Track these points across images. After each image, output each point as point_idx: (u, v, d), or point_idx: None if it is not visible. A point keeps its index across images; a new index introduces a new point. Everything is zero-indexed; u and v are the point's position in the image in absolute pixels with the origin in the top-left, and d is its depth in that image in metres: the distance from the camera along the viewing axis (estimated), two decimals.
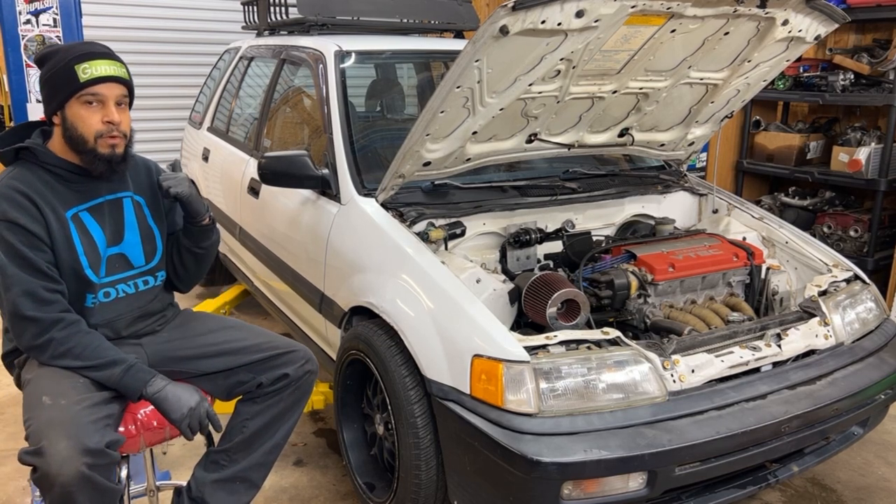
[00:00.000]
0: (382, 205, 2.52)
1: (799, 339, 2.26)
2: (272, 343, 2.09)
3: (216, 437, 2.12)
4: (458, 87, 2.12)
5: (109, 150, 1.85)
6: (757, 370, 2.18)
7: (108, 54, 1.86)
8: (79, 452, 1.60)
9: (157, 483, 2.23)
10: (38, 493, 1.81)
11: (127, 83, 1.88)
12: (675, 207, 3.06)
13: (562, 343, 2.00)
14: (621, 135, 2.84)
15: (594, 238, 2.69)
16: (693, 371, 2.05)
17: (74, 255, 1.86)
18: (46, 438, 1.62)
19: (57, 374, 1.81)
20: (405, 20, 3.86)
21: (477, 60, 2.04)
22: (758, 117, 4.97)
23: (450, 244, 2.49)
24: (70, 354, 1.81)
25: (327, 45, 3.10)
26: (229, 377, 2.04)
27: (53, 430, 1.64)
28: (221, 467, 2.08)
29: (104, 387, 1.82)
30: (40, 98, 2.52)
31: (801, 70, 4.58)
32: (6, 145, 1.88)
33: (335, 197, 2.69)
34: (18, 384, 1.99)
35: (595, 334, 2.05)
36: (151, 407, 1.88)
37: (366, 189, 2.61)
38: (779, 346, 2.22)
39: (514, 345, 1.96)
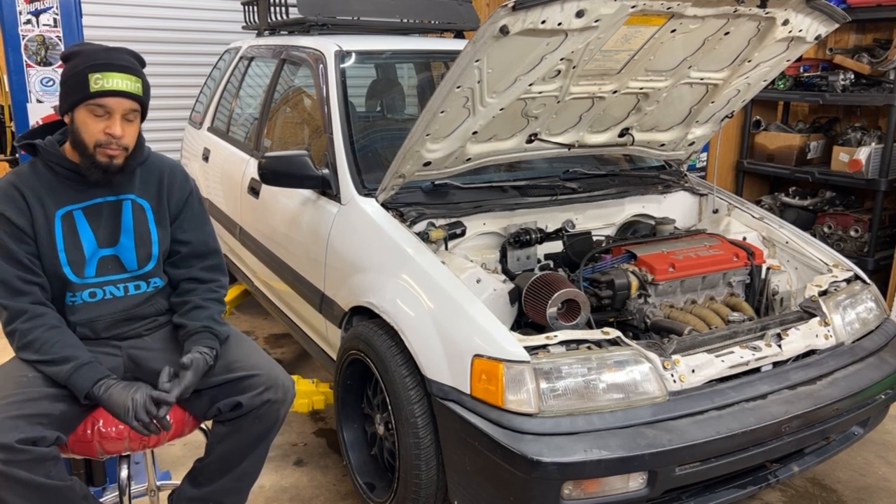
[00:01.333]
0: (383, 205, 2.52)
1: (799, 339, 2.26)
2: (238, 364, 1.96)
3: None
4: (458, 87, 2.12)
5: (106, 160, 1.85)
6: (757, 370, 2.18)
7: (126, 68, 1.83)
8: None
9: (158, 483, 2.23)
10: None
11: (139, 99, 1.86)
12: (675, 207, 3.06)
13: (562, 343, 2.00)
14: (621, 135, 2.84)
15: (594, 238, 2.69)
16: (693, 371, 2.05)
17: (54, 252, 1.87)
18: None
19: (10, 368, 1.83)
20: (405, 20, 3.86)
21: (477, 60, 2.04)
22: (758, 117, 4.97)
23: (450, 244, 2.49)
24: (30, 347, 1.81)
25: (327, 45, 3.10)
26: (200, 397, 1.94)
27: None
28: (199, 484, 2.04)
29: (57, 384, 1.79)
30: (41, 98, 2.51)
31: (802, 70, 4.58)
32: (29, 140, 1.91)
33: (335, 197, 2.69)
34: None
35: (595, 334, 2.05)
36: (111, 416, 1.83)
37: (366, 189, 2.61)
38: (779, 346, 2.22)
39: (514, 345, 1.96)
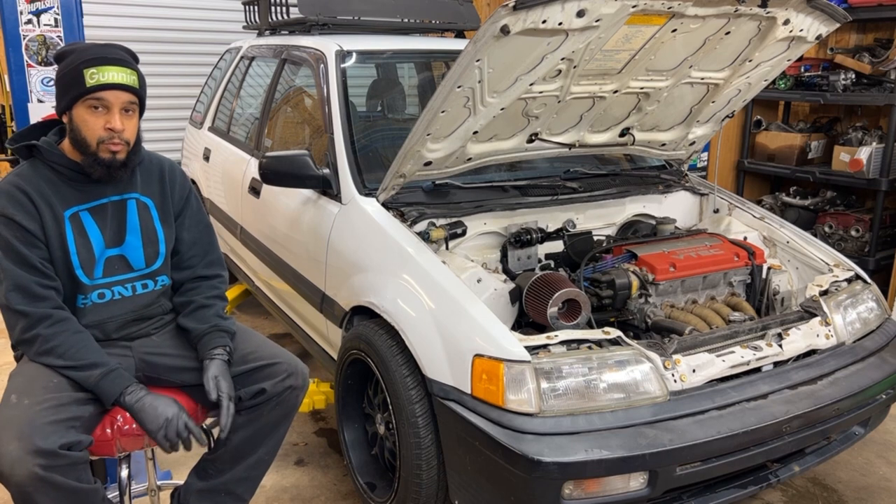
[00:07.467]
0: (383, 204, 2.52)
1: (800, 338, 2.26)
2: (256, 354, 2.02)
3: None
4: (459, 87, 2.12)
5: (110, 156, 1.84)
6: (758, 370, 2.18)
7: (121, 60, 1.83)
8: (29, 454, 1.59)
9: (158, 483, 2.23)
10: None
11: (136, 91, 1.85)
12: (676, 207, 3.06)
13: (563, 343, 2.00)
14: (622, 134, 2.84)
15: (595, 238, 2.69)
16: (694, 371, 2.05)
17: (66, 254, 1.86)
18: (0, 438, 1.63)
19: (34, 373, 1.81)
20: (406, 20, 3.86)
21: (478, 60, 2.04)
22: (759, 117, 4.96)
23: (451, 244, 2.49)
24: (53, 352, 1.80)
25: (328, 45, 3.10)
26: None
27: (7, 430, 1.64)
28: (209, 476, 2.05)
29: (82, 388, 1.80)
30: (42, 98, 2.52)
31: (803, 69, 4.58)
32: (23, 141, 1.88)
33: (336, 197, 2.69)
34: None
35: (596, 334, 2.05)
36: None
37: (367, 189, 2.61)
38: (780, 345, 2.21)
39: (515, 344, 1.96)
